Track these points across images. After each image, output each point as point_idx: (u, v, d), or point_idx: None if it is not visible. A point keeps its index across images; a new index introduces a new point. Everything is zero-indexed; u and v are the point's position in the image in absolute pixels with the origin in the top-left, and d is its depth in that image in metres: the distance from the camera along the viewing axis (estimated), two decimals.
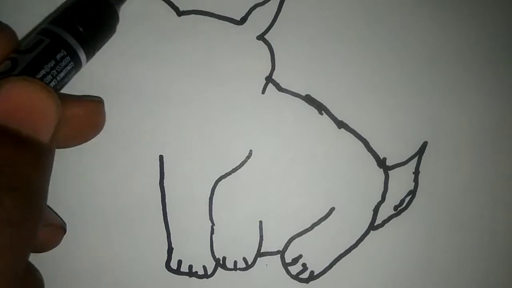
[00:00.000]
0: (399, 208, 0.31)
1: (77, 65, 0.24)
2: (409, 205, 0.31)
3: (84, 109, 0.26)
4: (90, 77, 0.29)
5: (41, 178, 0.20)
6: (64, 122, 0.23)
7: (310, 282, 0.31)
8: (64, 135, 0.24)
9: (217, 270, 0.30)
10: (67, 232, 0.28)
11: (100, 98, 0.28)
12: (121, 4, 0.27)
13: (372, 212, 0.31)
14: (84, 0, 0.26)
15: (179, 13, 0.29)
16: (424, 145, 0.31)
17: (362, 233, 0.31)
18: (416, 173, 0.31)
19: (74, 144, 0.26)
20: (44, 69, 0.23)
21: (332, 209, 0.31)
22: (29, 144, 0.20)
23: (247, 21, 0.29)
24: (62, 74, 0.23)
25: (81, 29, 0.24)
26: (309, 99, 0.30)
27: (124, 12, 0.29)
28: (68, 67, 0.24)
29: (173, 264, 0.30)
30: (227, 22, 0.29)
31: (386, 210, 0.31)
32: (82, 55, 0.24)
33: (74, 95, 0.27)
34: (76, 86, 0.29)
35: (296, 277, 0.31)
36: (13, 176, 0.19)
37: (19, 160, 0.19)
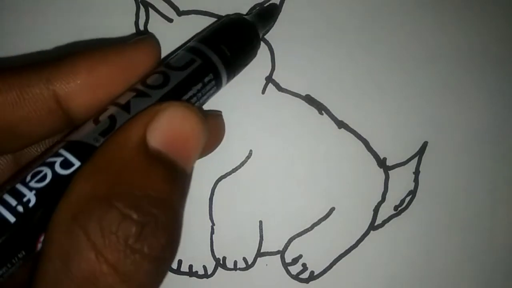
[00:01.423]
0: (399, 208, 0.31)
1: (218, 88, 0.24)
2: (409, 205, 0.31)
3: (213, 124, 0.26)
4: None
5: (183, 210, 0.19)
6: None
7: (310, 282, 0.31)
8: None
9: (217, 270, 0.30)
10: None
11: (220, 111, 0.29)
12: (264, 30, 0.28)
13: (372, 212, 0.31)
14: (233, 23, 0.26)
15: (179, 13, 0.29)
16: (424, 145, 0.31)
17: (362, 233, 0.31)
18: (416, 173, 0.31)
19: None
20: (192, 90, 0.22)
21: (332, 209, 0.31)
22: (181, 176, 0.19)
23: None
24: (205, 98, 0.23)
25: (228, 54, 0.24)
26: (309, 99, 0.30)
27: (123, 11, 0.29)
28: (211, 91, 0.23)
29: (173, 264, 0.30)
30: None
31: (386, 210, 0.31)
32: (224, 79, 0.24)
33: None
34: None
35: (296, 277, 0.31)
36: (169, 213, 0.18)
37: (172, 194, 0.18)
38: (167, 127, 0.18)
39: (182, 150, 0.19)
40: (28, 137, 0.21)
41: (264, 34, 0.29)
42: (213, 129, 0.26)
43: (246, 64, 0.26)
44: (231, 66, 0.24)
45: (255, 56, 0.27)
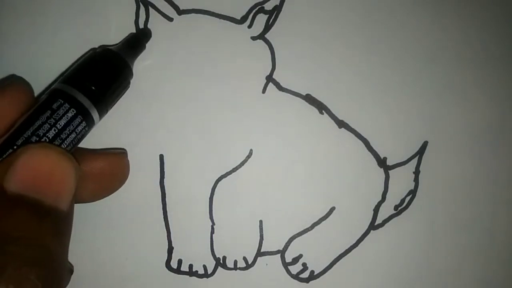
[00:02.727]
0: (399, 208, 0.31)
1: (90, 123, 0.24)
2: (410, 204, 0.31)
3: (108, 162, 0.26)
4: None
5: (62, 247, 0.20)
6: (88, 178, 0.23)
7: (310, 282, 0.31)
8: (89, 190, 0.24)
9: (217, 270, 0.30)
10: None
11: (124, 150, 0.28)
12: (134, 59, 0.27)
13: (372, 212, 0.31)
14: (96, 57, 0.26)
15: (179, 12, 0.29)
16: (425, 144, 0.31)
17: (362, 232, 0.31)
18: (417, 172, 0.31)
19: (98, 198, 0.26)
20: (39, 120, 0.22)
21: (332, 209, 0.31)
22: (50, 213, 0.19)
23: (247, 20, 0.29)
24: (74, 135, 0.23)
25: (93, 88, 0.24)
26: (309, 99, 0.30)
27: (123, 11, 0.29)
28: (80, 127, 0.23)
29: (173, 264, 0.30)
30: (227, 21, 0.29)
31: (386, 210, 0.31)
32: (95, 114, 0.24)
33: (97, 149, 0.27)
34: None
35: (296, 276, 0.31)
36: (36, 249, 0.18)
37: (40, 231, 0.19)
38: (24, 169, 0.19)
39: (46, 188, 0.19)
40: None
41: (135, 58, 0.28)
42: (112, 167, 0.26)
43: (119, 95, 0.26)
44: (99, 99, 0.24)
45: (127, 84, 0.27)
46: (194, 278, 0.30)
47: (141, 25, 0.29)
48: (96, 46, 0.28)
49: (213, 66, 0.29)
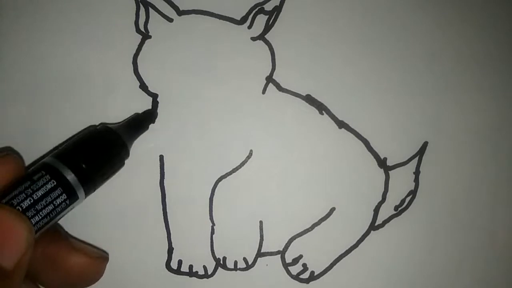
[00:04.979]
0: (399, 208, 0.31)
1: (72, 199, 0.24)
2: (410, 205, 0.31)
3: (84, 262, 0.25)
4: (89, 76, 0.29)
5: None
6: (58, 267, 0.23)
7: (311, 283, 0.31)
8: (55, 279, 0.24)
9: (218, 270, 0.30)
10: (67, 230, 0.28)
11: (106, 254, 0.28)
12: (134, 139, 0.27)
13: (372, 212, 0.31)
14: (94, 135, 0.26)
15: (180, 12, 0.29)
16: (425, 145, 0.31)
17: (362, 233, 0.31)
18: (417, 173, 0.31)
19: None
20: (30, 199, 0.22)
21: (332, 209, 0.31)
22: None
23: (247, 21, 0.29)
24: (50, 207, 0.23)
25: (83, 166, 0.24)
26: (309, 99, 0.30)
27: (123, 11, 0.29)
28: (59, 200, 0.23)
29: (174, 264, 0.30)
30: (227, 22, 0.29)
31: (386, 210, 0.31)
32: (80, 191, 0.24)
33: (82, 243, 0.27)
34: (75, 85, 0.29)
35: (296, 277, 0.31)
36: None
37: None
38: None
39: None
40: None
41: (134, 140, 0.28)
42: (89, 267, 0.25)
43: (108, 177, 0.26)
44: (87, 178, 0.24)
45: (122, 165, 0.27)
46: (194, 278, 0.30)
47: (141, 26, 0.29)
48: (97, 49, 0.28)
49: (213, 67, 0.29)
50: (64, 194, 0.23)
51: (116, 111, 0.29)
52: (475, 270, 0.32)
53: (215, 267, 0.30)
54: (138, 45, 0.29)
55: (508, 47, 0.32)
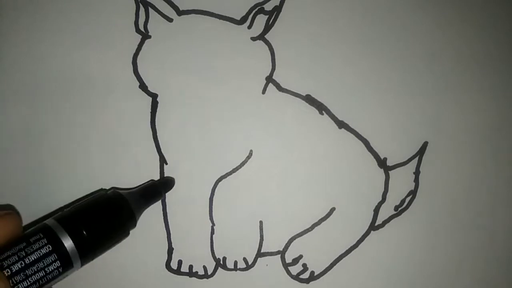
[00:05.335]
0: (399, 208, 0.31)
1: (67, 267, 0.23)
2: (410, 205, 0.31)
3: None
4: (89, 76, 0.29)
5: None
6: None
7: (311, 283, 0.31)
8: None
9: (218, 270, 0.30)
10: None
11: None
12: (146, 207, 0.26)
13: (372, 212, 0.31)
14: (102, 201, 0.25)
15: (179, 12, 0.29)
16: (425, 145, 0.31)
17: (362, 233, 0.31)
18: (417, 173, 0.31)
19: None
20: (21, 263, 0.21)
21: (332, 209, 0.31)
22: None
23: (247, 21, 0.29)
24: (41, 273, 0.22)
25: (86, 235, 0.23)
26: (309, 99, 0.30)
27: (123, 11, 0.29)
28: (51, 267, 0.22)
29: (174, 264, 0.30)
30: (227, 22, 0.29)
31: (386, 210, 0.31)
32: (76, 259, 0.23)
33: None
34: (75, 85, 0.29)
35: (296, 277, 0.31)
36: None
37: None
38: None
39: None
40: None
41: (145, 206, 0.27)
42: None
43: (113, 245, 0.25)
44: (87, 248, 0.23)
45: (126, 236, 0.26)
46: (194, 278, 0.30)
47: (141, 26, 0.29)
48: (97, 49, 0.28)
49: (213, 67, 0.29)
50: (57, 261, 0.22)
51: (116, 111, 0.29)
52: (475, 270, 0.32)
53: (215, 267, 0.30)
54: (138, 45, 0.29)
55: (508, 47, 0.31)
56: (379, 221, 0.31)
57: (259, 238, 0.31)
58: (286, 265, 0.31)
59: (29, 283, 0.22)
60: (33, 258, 0.22)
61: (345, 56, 0.30)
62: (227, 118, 0.30)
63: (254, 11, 0.29)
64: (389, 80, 0.31)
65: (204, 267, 0.30)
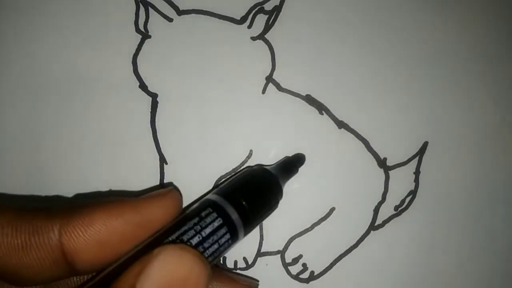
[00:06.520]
0: (399, 208, 0.31)
1: (234, 238, 0.24)
2: (410, 205, 0.31)
3: None
4: (89, 76, 0.29)
5: None
6: None
7: (311, 282, 0.31)
8: None
9: None
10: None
11: (257, 281, 0.29)
12: (287, 181, 0.28)
13: (372, 212, 0.31)
14: (254, 175, 0.26)
15: (179, 12, 0.29)
16: (425, 145, 0.31)
17: (362, 233, 0.31)
18: (417, 173, 0.31)
19: None
20: (199, 236, 0.22)
21: (332, 209, 0.31)
22: None
23: (247, 21, 0.29)
24: (216, 246, 0.22)
25: (247, 207, 0.24)
26: (309, 99, 0.30)
27: (123, 11, 0.29)
28: (223, 239, 0.23)
29: None
30: (227, 22, 0.29)
31: (386, 210, 0.31)
32: (241, 230, 0.24)
33: (231, 272, 0.27)
34: (75, 85, 0.29)
35: (296, 277, 0.31)
36: None
37: None
38: (159, 274, 0.18)
39: None
40: (28, 280, 0.21)
41: (287, 180, 0.29)
42: None
43: (265, 216, 0.26)
44: (249, 219, 0.24)
45: (276, 207, 0.27)
46: None
47: (141, 26, 0.29)
48: (97, 49, 0.28)
49: (213, 66, 0.29)
50: (228, 233, 0.23)
51: (116, 111, 0.29)
52: (475, 270, 0.32)
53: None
54: (138, 45, 0.29)
55: (508, 47, 0.31)
56: (379, 221, 0.31)
57: (259, 238, 0.31)
58: (286, 265, 0.31)
59: (206, 256, 0.22)
60: (208, 231, 0.22)
61: (345, 56, 0.30)
62: (227, 118, 0.30)
63: (254, 11, 0.29)
64: (389, 80, 0.31)
65: None
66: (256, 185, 0.26)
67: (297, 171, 0.29)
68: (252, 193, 0.25)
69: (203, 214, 0.22)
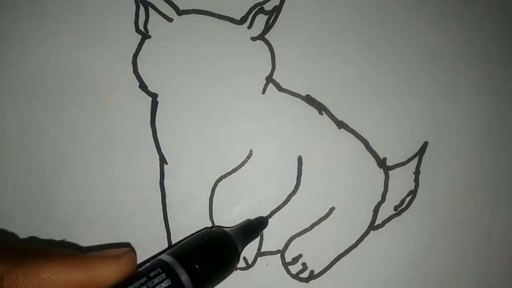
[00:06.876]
0: (399, 208, 0.31)
1: None
2: (410, 205, 0.31)
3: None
4: (89, 76, 0.29)
5: None
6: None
7: (310, 282, 0.31)
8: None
9: None
10: (67, 231, 0.28)
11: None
12: (244, 247, 0.28)
13: (372, 212, 0.31)
14: (211, 238, 0.26)
15: (179, 12, 0.29)
16: (425, 145, 0.31)
17: (362, 233, 0.31)
18: (417, 173, 0.31)
19: None
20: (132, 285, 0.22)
21: (332, 209, 0.31)
22: None
23: (247, 21, 0.29)
24: None
25: (199, 270, 0.24)
26: (309, 99, 0.30)
27: (123, 11, 0.29)
28: None
29: None
30: (227, 22, 0.29)
31: (386, 210, 0.31)
32: None
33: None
34: (75, 85, 0.29)
35: (296, 276, 0.31)
36: None
37: None
38: None
39: None
40: None
41: (245, 243, 0.28)
42: None
43: (221, 280, 0.26)
44: (201, 282, 0.24)
45: (232, 272, 0.27)
46: None
47: (141, 26, 0.29)
48: (97, 49, 0.28)
49: (213, 67, 0.29)
50: None
51: (116, 111, 0.29)
52: (475, 270, 0.32)
53: None
54: (138, 45, 0.29)
55: (508, 47, 0.31)
56: (378, 221, 0.31)
57: (259, 237, 0.31)
58: (286, 264, 0.31)
59: None
60: None
61: (345, 56, 0.30)
62: (227, 118, 0.30)
63: (254, 11, 0.29)
64: (389, 80, 0.31)
65: None
66: (211, 248, 0.25)
67: (258, 235, 0.29)
68: (206, 256, 0.25)
69: (151, 274, 0.22)
